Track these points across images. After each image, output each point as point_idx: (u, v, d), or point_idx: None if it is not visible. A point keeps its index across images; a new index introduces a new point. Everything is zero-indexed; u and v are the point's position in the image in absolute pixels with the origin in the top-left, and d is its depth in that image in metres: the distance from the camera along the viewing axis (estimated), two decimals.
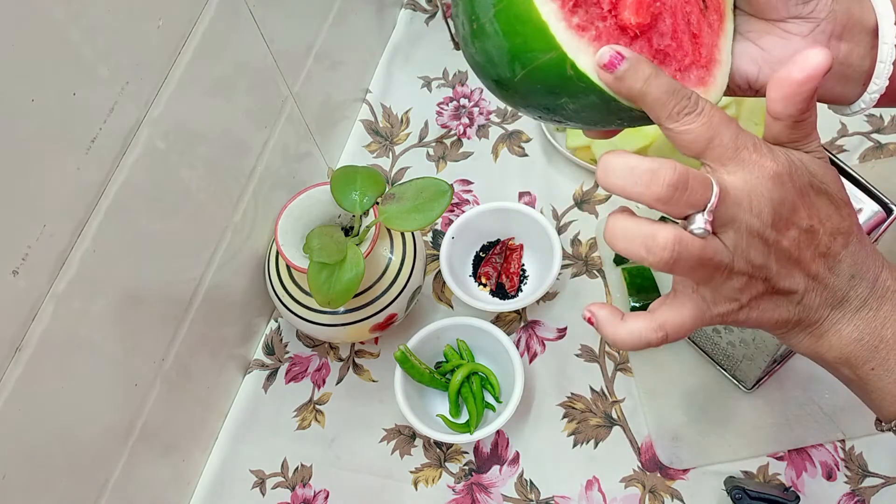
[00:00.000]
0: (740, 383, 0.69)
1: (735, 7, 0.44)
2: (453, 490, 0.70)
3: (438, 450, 0.72)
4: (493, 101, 0.90)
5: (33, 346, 0.49)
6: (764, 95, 0.39)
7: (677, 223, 0.36)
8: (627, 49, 0.36)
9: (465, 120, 0.89)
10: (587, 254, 0.79)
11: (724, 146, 0.36)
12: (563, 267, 0.78)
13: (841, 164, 0.52)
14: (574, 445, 0.70)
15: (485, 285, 0.78)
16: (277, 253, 0.70)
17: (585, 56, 0.37)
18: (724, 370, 0.70)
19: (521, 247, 0.79)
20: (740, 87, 0.44)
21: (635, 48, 0.38)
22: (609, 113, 0.39)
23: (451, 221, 0.78)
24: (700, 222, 0.35)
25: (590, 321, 0.40)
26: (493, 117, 0.89)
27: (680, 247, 0.35)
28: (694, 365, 0.71)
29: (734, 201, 0.36)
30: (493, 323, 0.72)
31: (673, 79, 0.36)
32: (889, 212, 0.51)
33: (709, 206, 0.35)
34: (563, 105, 0.39)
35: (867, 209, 0.51)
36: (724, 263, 0.36)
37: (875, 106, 0.46)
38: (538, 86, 0.38)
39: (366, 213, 0.67)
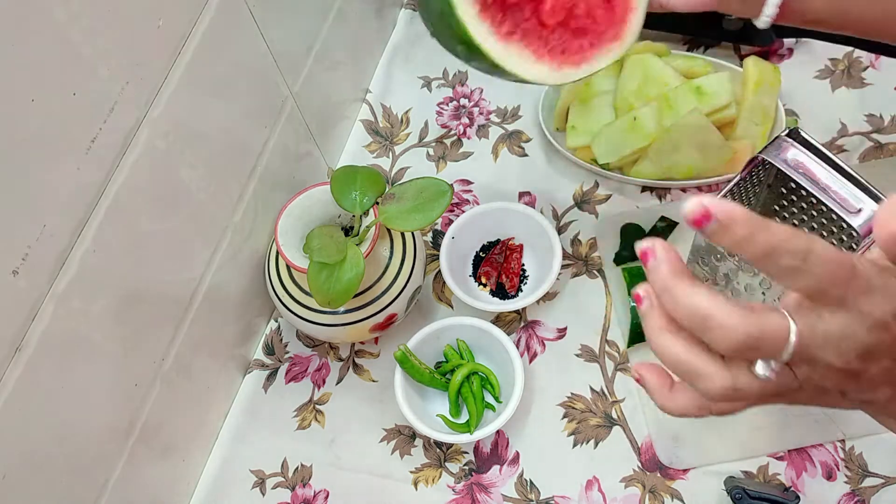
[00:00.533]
0: None
1: None
2: (453, 490, 0.70)
3: (438, 450, 0.72)
4: (493, 101, 0.90)
5: (33, 346, 0.49)
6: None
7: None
8: (721, 205, 0.31)
9: (465, 120, 0.89)
10: (587, 254, 0.79)
11: (829, 295, 0.33)
12: (563, 267, 0.78)
13: (841, 165, 0.52)
14: (574, 445, 0.70)
15: (485, 285, 0.78)
16: (277, 253, 0.70)
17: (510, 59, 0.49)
18: None
19: (521, 247, 0.79)
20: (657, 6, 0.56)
21: (555, 36, 0.50)
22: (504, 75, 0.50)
23: (451, 221, 0.78)
24: (764, 369, 0.34)
25: (638, 381, 0.40)
26: (493, 117, 0.89)
27: (735, 393, 0.34)
28: None
29: (819, 346, 0.33)
30: (493, 323, 0.72)
31: (772, 233, 0.32)
32: None
33: (781, 357, 0.33)
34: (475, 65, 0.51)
35: (867, 209, 0.51)
36: (791, 389, 0.35)
37: (787, 23, 0.56)
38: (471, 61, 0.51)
39: (366, 213, 0.67)
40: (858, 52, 0.84)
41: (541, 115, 0.84)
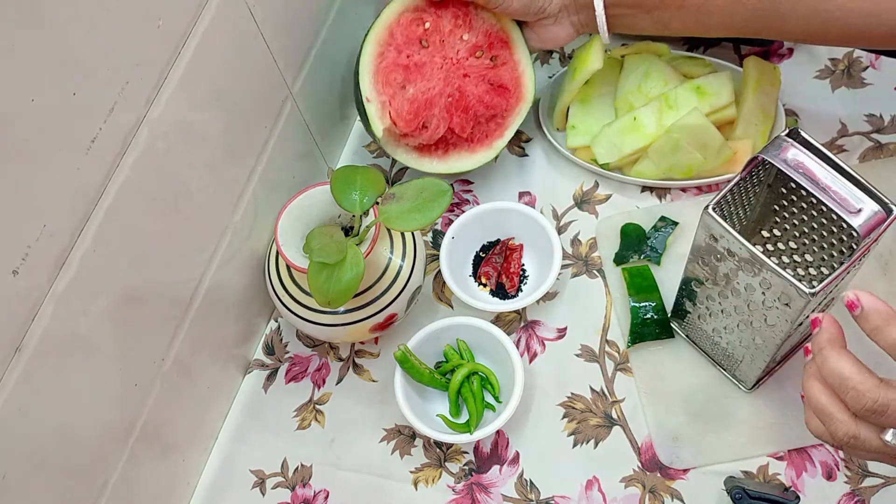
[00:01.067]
0: (740, 383, 0.69)
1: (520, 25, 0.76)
2: (453, 490, 0.70)
3: (438, 450, 0.72)
4: None
5: (33, 346, 0.49)
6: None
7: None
8: (866, 297, 0.45)
9: None
10: (587, 254, 0.79)
11: None
12: (563, 267, 0.78)
13: (841, 165, 0.52)
14: (574, 445, 0.70)
15: (485, 285, 0.78)
16: (277, 253, 0.70)
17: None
18: (725, 370, 0.70)
19: (521, 247, 0.79)
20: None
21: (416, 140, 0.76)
22: None
23: (451, 221, 0.78)
24: (892, 437, 0.43)
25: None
26: None
27: (855, 442, 0.43)
28: (694, 365, 0.71)
29: None
30: (493, 323, 0.72)
31: (857, 387, 0.44)
32: (889, 212, 0.51)
33: None
34: None
35: (867, 209, 0.51)
36: None
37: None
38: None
39: (366, 213, 0.67)
40: (858, 52, 0.84)
41: (542, 115, 0.84)
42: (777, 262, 0.62)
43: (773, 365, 0.67)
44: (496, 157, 0.81)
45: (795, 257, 0.64)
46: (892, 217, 0.51)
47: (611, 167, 0.80)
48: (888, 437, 0.43)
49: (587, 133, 0.80)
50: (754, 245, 0.54)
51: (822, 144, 0.74)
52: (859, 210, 0.50)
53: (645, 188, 0.81)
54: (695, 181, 0.78)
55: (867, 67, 0.84)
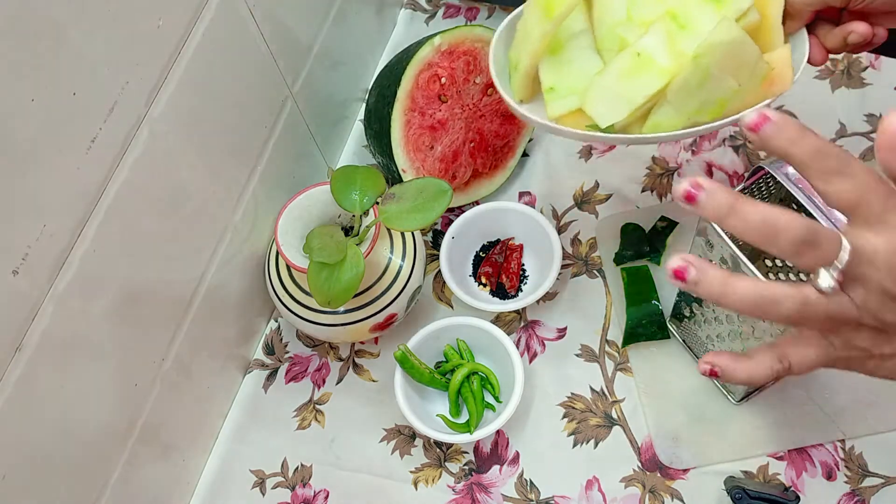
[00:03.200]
0: (730, 394, 0.69)
1: None
2: (453, 490, 0.70)
3: (438, 450, 0.72)
4: None
5: (33, 346, 0.49)
6: None
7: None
8: (775, 112, 0.37)
9: None
10: (587, 254, 0.79)
11: (870, 209, 0.36)
12: (563, 267, 0.78)
13: None
14: (574, 445, 0.70)
15: (485, 285, 0.78)
16: (277, 253, 0.70)
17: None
18: (716, 380, 0.70)
19: (521, 247, 0.79)
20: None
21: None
22: None
23: (451, 221, 0.78)
24: (828, 280, 0.36)
25: (713, 373, 0.41)
26: None
27: (805, 307, 0.37)
28: (694, 365, 0.71)
29: (869, 261, 0.36)
30: (493, 323, 0.72)
31: (818, 138, 0.37)
32: None
33: (837, 263, 0.36)
34: None
35: None
36: (851, 318, 0.37)
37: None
38: None
39: (366, 213, 0.67)
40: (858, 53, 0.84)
41: (500, 86, 0.61)
42: (784, 278, 0.62)
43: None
44: None
45: (801, 276, 0.63)
46: None
47: (615, 129, 0.57)
48: (822, 280, 0.36)
49: (571, 92, 0.59)
50: (763, 260, 0.54)
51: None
52: None
53: (644, 189, 0.81)
54: (727, 120, 0.56)
55: (867, 68, 0.84)
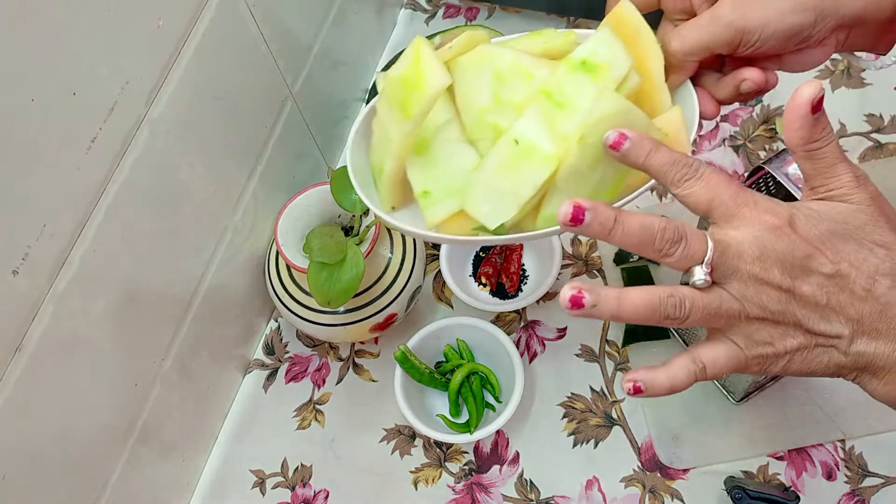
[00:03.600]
0: (730, 395, 0.69)
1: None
2: (453, 490, 0.70)
3: (438, 450, 0.72)
4: None
5: (33, 346, 0.49)
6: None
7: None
8: (630, 130, 0.40)
9: None
10: (587, 254, 0.79)
11: (724, 205, 0.39)
12: (563, 267, 0.78)
13: None
14: (574, 445, 0.70)
15: (485, 285, 0.78)
16: (277, 253, 0.70)
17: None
18: (716, 380, 0.70)
19: (521, 247, 0.79)
20: None
21: None
22: None
23: None
24: (699, 274, 0.38)
25: (637, 390, 0.41)
26: None
27: (685, 305, 0.39)
28: None
29: (735, 253, 0.38)
30: (493, 323, 0.72)
31: (672, 151, 0.40)
32: None
33: (706, 259, 0.38)
34: None
35: None
36: (735, 310, 0.39)
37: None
38: None
39: (366, 213, 0.67)
40: (858, 53, 0.84)
41: (364, 197, 0.51)
42: None
43: (764, 380, 0.66)
44: None
45: None
46: None
47: (506, 228, 0.48)
48: (695, 277, 0.38)
49: (449, 193, 0.49)
50: None
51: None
52: None
53: None
54: (631, 196, 0.49)
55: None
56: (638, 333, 0.72)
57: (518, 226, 0.49)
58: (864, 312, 0.39)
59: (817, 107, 0.39)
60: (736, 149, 0.81)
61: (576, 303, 0.38)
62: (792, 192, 0.53)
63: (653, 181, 0.48)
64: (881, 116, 0.81)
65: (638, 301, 0.39)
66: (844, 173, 0.39)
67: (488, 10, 0.94)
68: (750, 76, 0.48)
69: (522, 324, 0.77)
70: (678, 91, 0.52)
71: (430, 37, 0.74)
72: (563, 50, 0.50)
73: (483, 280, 0.78)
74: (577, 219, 0.38)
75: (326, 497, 0.72)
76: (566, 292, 0.38)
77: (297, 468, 0.73)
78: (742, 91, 0.49)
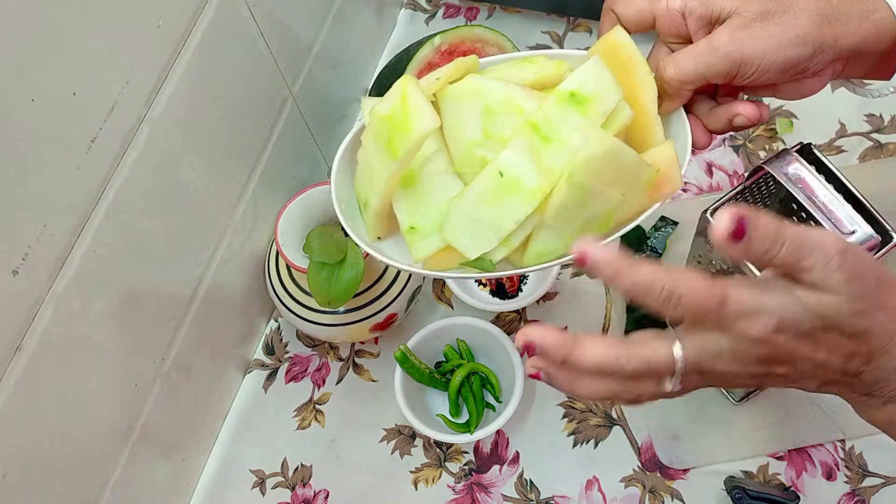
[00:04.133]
0: (730, 395, 0.69)
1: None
2: (453, 490, 0.70)
3: (438, 450, 0.72)
4: None
5: (33, 346, 0.49)
6: None
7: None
8: (602, 249, 0.38)
9: None
10: None
11: (706, 322, 0.38)
12: (563, 267, 0.78)
13: (848, 186, 0.52)
14: (574, 445, 0.70)
15: (485, 285, 0.78)
16: (277, 253, 0.70)
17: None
18: None
19: None
20: None
21: None
22: None
23: None
24: (668, 385, 0.40)
25: (534, 376, 0.43)
26: None
27: (648, 397, 0.41)
28: None
29: (710, 360, 0.39)
30: (493, 323, 0.72)
31: (648, 272, 0.37)
32: (889, 239, 0.50)
33: (676, 374, 0.39)
34: None
35: (861, 232, 0.50)
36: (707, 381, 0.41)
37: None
38: None
39: None
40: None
41: (350, 229, 0.51)
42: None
43: None
44: None
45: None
46: (891, 244, 0.50)
47: (494, 264, 0.47)
48: (665, 386, 0.40)
49: (437, 228, 0.48)
50: None
51: (821, 145, 0.73)
52: (852, 232, 0.50)
53: None
54: (620, 233, 0.48)
55: None
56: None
57: (507, 260, 0.48)
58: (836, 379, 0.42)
59: (738, 233, 0.36)
60: (736, 149, 0.81)
61: (536, 377, 0.41)
62: (792, 192, 0.53)
63: (645, 214, 0.48)
64: (881, 116, 0.81)
65: (591, 392, 0.41)
66: (812, 261, 0.37)
67: (488, 10, 0.94)
68: (744, 111, 0.47)
69: (522, 324, 0.76)
70: (670, 119, 0.50)
71: (430, 37, 0.74)
72: (555, 80, 0.49)
73: (483, 280, 0.78)
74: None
75: (326, 497, 0.72)
76: (527, 370, 0.42)
77: (297, 468, 0.73)
78: (735, 125, 0.48)
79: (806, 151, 0.53)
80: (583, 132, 0.44)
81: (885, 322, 0.38)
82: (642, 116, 0.48)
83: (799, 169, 0.52)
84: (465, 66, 0.49)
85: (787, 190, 0.54)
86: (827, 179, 0.52)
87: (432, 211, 0.48)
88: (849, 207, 0.51)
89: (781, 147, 0.80)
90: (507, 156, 0.45)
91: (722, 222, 0.36)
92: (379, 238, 0.52)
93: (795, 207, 0.56)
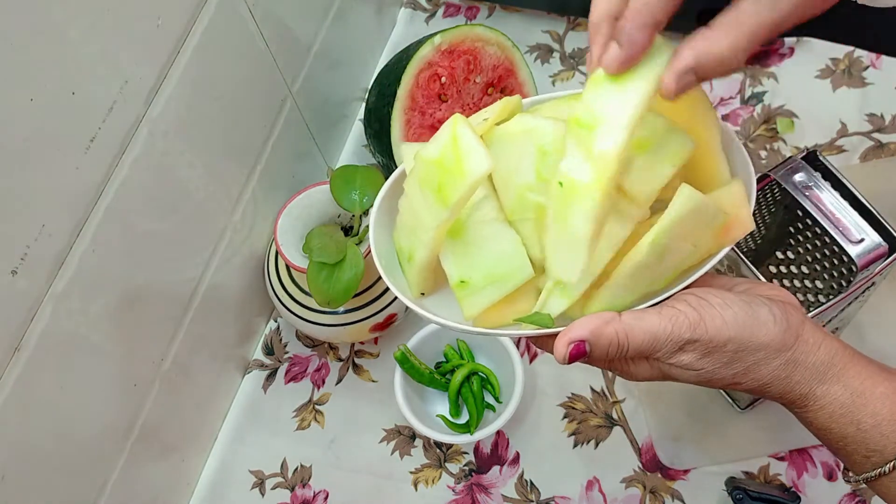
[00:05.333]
0: (735, 402, 0.69)
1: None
2: (453, 490, 0.70)
3: (438, 450, 0.72)
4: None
5: (33, 346, 0.49)
6: None
7: None
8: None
9: None
10: None
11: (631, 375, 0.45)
12: None
13: (856, 194, 0.51)
14: (574, 446, 0.70)
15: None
16: (277, 253, 0.70)
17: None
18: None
19: None
20: None
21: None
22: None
23: None
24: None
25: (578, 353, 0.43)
26: None
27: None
28: None
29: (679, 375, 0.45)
30: None
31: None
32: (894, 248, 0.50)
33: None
34: None
35: (869, 240, 0.50)
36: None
37: None
38: None
39: (365, 213, 0.67)
40: (859, 52, 0.84)
41: (391, 284, 0.46)
42: (789, 284, 0.62)
43: None
44: None
45: (806, 282, 0.63)
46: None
47: (552, 319, 0.43)
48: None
49: (490, 281, 0.44)
50: (767, 266, 0.54)
51: (822, 144, 0.73)
52: (860, 240, 0.50)
53: None
54: (683, 285, 0.44)
55: (868, 67, 0.84)
56: None
57: (567, 314, 0.44)
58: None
59: (576, 355, 0.41)
60: None
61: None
62: (798, 199, 0.52)
63: (712, 262, 0.44)
64: (882, 116, 0.81)
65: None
66: (683, 354, 0.42)
67: (488, 10, 0.94)
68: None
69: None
70: (731, 152, 0.46)
71: (430, 36, 0.74)
72: None
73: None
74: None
75: (326, 498, 0.72)
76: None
77: (297, 469, 0.73)
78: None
79: (811, 158, 0.53)
80: (675, 199, 0.40)
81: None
82: (706, 154, 0.44)
83: (807, 177, 0.52)
84: (511, 106, 0.46)
85: (793, 197, 0.54)
86: (833, 186, 0.52)
87: (483, 263, 0.44)
88: (856, 215, 0.51)
89: (782, 146, 0.80)
90: (562, 164, 0.40)
91: (559, 352, 0.41)
92: (422, 294, 0.47)
93: (801, 214, 0.55)
